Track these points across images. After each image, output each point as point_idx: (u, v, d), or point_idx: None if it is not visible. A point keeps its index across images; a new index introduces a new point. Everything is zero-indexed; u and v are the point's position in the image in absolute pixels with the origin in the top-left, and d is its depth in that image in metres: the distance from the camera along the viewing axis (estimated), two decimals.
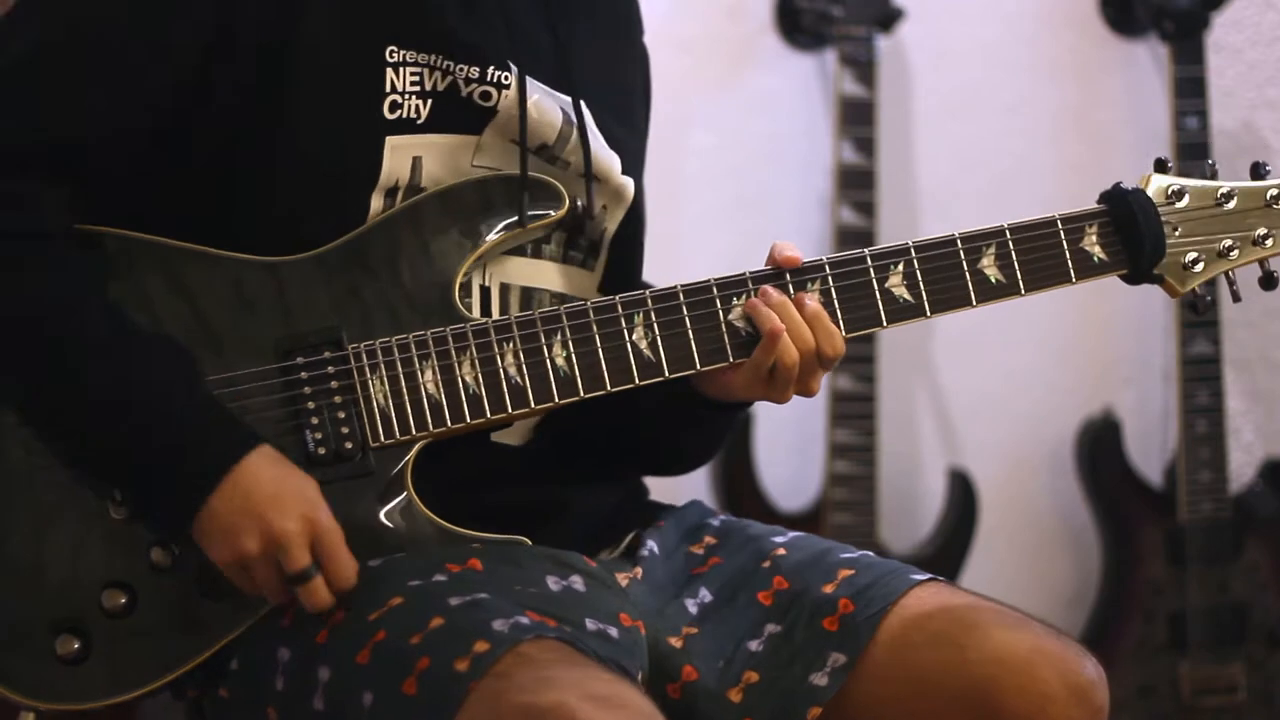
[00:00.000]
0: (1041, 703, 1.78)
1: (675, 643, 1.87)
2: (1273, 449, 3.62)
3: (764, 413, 3.33)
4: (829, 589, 1.88)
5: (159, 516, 1.80)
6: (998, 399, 3.54)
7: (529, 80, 1.92)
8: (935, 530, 3.45)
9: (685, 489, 3.17)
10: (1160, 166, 2.00)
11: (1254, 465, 3.59)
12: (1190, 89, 3.41)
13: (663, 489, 2.14)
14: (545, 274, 1.96)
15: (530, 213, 1.90)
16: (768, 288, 1.88)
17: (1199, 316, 3.37)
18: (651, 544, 1.97)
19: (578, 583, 1.84)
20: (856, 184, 3.34)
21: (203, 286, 1.85)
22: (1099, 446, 3.50)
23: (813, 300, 1.89)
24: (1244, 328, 3.59)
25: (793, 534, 1.99)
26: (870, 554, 1.94)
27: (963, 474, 3.45)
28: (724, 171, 3.41)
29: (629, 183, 2.00)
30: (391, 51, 1.87)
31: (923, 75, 3.50)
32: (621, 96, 2.05)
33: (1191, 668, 3.41)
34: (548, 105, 1.93)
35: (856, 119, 3.34)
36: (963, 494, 3.44)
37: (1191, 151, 3.35)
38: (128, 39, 1.83)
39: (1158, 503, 3.47)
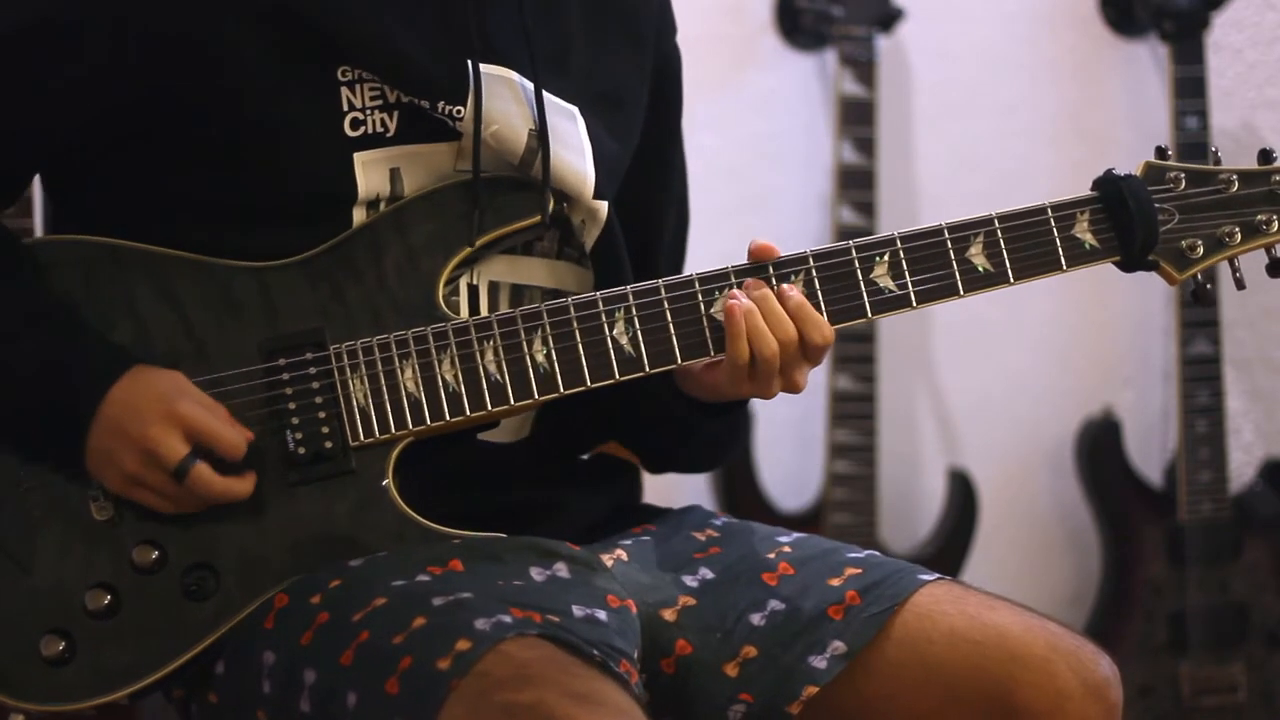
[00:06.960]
0: (1058, 700, 1.79)
1: (669, 616, 1.87)
2: (1273, 449, 3.62)
3: (764, 413, 3.33)
4: (836, 582, 1.88)
5: (60, 465, 1.83)
6: (998, 399, 3.53)
7: (490, 94, 1.88)
8: (935, 530, 3.45)
9: (685, 488, 3.19)
10: (1160, 154, 1.95)
11: (1254, 465, 3.59)
12: (1190, 89, 3.41)
13: (662, 489, 2.14)
14: (536, 271, 1.95)
15: (495, 224, 1.89)
16: (750, 280, 1.87)
17: (1201, 310, 3.37)
18: (641, 534, 1.97)
19: (562, 570, 1.84)
20: (856, 184, 3.33)
21: (189, 291, 1.86)
22: (1099, 446, 3.50)
23: (795, 291, 1.86)
24: (1244, 327, 3.59)
25: (797, 535, 1.98)
26: (877, 553, 1.94)
27: (963, 474, 3.45)
28: (724, 171, 3.41)
29: (602, 205, 1.95)
30: (344, 71, 1.85)
31: (923, 75, 3.50)
32: (617, 109, 2.00)
33: (1191, 668, 3.41)
34: (508, 132, 1.89)
35: (856, 119, 3.34)
36: (963, 494, 3.43)
37: (1191, 151, 3.33)
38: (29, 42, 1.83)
39: (1158, 503, 3.46)
